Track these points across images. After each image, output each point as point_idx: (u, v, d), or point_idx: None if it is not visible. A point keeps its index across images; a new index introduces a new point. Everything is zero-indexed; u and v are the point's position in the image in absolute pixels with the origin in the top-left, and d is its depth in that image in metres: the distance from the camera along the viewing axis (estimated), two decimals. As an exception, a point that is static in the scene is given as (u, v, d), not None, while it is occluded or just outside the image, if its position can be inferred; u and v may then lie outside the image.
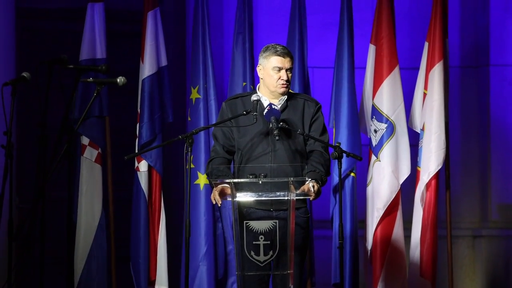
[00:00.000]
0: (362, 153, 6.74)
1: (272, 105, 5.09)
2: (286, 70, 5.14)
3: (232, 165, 5.23)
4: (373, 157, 6.77)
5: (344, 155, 5.13)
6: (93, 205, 6.78)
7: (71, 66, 5.04)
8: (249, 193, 4.91)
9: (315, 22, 7.49)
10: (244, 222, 4.93)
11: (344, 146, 6.55)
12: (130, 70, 6.75)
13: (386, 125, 6.74)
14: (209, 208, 6.80)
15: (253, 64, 6.83)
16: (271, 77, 5.14)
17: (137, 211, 6.85)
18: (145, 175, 6.86)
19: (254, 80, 6.82)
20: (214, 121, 6.74)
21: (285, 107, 5.17)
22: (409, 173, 6.73)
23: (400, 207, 6.73)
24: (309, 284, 6.83)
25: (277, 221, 4.95)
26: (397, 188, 6.71)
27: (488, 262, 7.70)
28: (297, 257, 5.02)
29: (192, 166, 6.73)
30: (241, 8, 6.87)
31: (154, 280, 6.85)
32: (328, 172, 5.12)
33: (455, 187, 7.51)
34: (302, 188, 4.91)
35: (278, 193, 4.91)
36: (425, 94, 6.77)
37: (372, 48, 6.89)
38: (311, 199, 4.96)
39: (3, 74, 6.55)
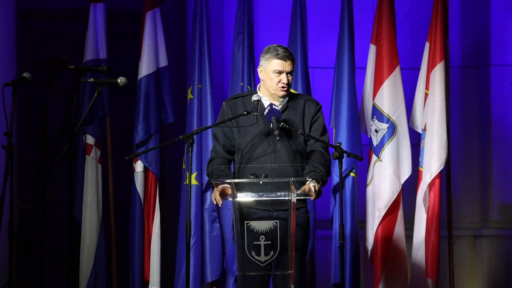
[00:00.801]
0: (363, 153, 6.74)
1: (273, 105, 5.09)
2: (287, 74, 5.13)
3: (232, 165, 5.23)
4: (374, 157, 6.77)
5: (345, 155, 5.13)
6: (98, 205, 6.79)
7: (72, 67, 5.05)
8: (250, 193, 4.91)
9: (316, 22, 7.49)
10: (245, 222, 4.93)
11: (344, 146, 6.54)
12: (131, 70, 6.76)
13: (387, 125, 6.74)
14: (197, 208, 6.79)
15: (252, 64, 6.83)
16: (272, 80, 5.13)
17: (134, 212, 6.86)
18: (141, 176, 6.86)
19: (252, 80, 6.81)
20: (209, 122, 6.75)
21: (285, 108, 5.17)
22: (410, 173, 6.73)
23: (401, 207, 6.72)
24: (309, 284, 6.83)
25: (277, 221, 4.95)
26: (398, 188, 6.71)
27: (489, 262, 7.70)
28: (298, 258, 5.02)
29: (183, 166, 6.74)
30: (241, 8, 6.87)
31: (148, 281, 6.83)
32: (328, 172, 5.12)
33: (456, 187, 7.51)
34: (302, 188, 4.91)
35: (278, 193, 4.91)
36: (426, 94, 6.77)
37: (372, 48, 6.89)
38: (311, 199, 4.96)
39: (4, 74, 6.55)
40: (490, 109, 7.70)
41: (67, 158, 4.88)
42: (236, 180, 4.92)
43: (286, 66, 5.12)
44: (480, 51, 7.81)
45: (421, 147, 6.77)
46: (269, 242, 4.94)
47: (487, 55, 7.75)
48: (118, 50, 7.44)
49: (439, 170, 6.64)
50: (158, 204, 6.87)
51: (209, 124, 6.70)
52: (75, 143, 6.73)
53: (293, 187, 4.87)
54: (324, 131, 5.23)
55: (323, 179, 5.03)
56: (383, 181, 6.70)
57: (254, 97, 5.12)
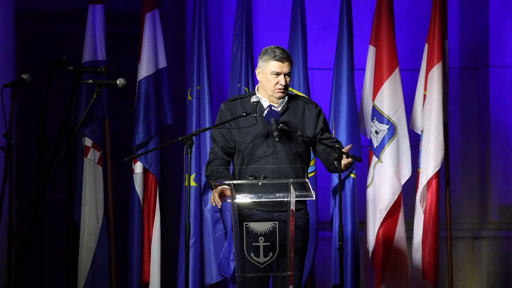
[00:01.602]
0: (362, 154, 6.74)
1: (272, 107, 5.09)
2: (285, 75, 5.13)
3: (231, 167, 5.23)
4: (375, 158, 6.77)
5: (344, 156, 5.13)
6: (97, 207, 6.78)
7: (71, 68, 5.05)
8: (249, 195, 4.91)
9: (315, 24, 7.49)
10: (244, 223, 4.93)
11: (343, 148, 6.54)
12: (130, 71, 6.76)
13: (387, 126, 6.74)
14: (196, 209, 6.79)
15: (250, 65, 6.83)
16: (269, 81, 5.14)
17: (133, 213, 6.85)
18: (140, 177, 6.86)
19: (249, 82, 6.81)
20: (207, 123, 6.75)
21: (285, 109, 5.17)
22: (410, 174, 6.73)
23: (402, 208, 6.73)
24: (309, 285, 6.82)
25: (277, 222, 4.95)
26: (399, 190, 6.71)
27: (488, 263, 7.70)
28: (297, 259, 5.02)
29: (184, 168, 6.74)
30: (240, 9, 6.87)
31: (148, 283, 6.83)
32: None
33: (454, 188, 7.51)
34: (343, 163, 4.96)
35: (277, 195, 4.91)
36: (425, 96, 6.77)
37: (372, 50, 6.89)
38: (344, 168, 4.99)
39: (3, 76, 6.55)
40: (489, 110, 7.71)
41: (66, 160, 4.88)
42: (235, 182, 4.92)
43: (284, 67, 5.12)
44: (479, 52, 7.81)
45: (420, 148, 6.77)
46: (268, 244, 4.94)
47: (485, 57, 7.75)
48: (118, 52, 7.44)
49: (434, 171, 6.64)
50: (158, 206, 6.86)
51: (208, 125, 6.70)
52: (75, 144, 6.73)
53: (292, 188, 4.87)
54: (329, 131, 5.31)
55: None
56: (384, 183, 6.70)
57: (253, 99, 5.12)
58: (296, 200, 4.92)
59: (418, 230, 6.69)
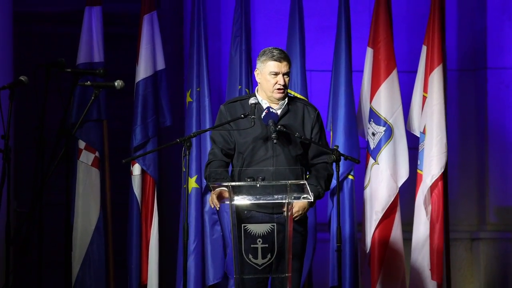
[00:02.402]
0: (360, 156, 6.74)
1: (270, 109, 5.10)
2: (283, 75, 5.13)
3: (230, 168, 5.23)
4: (371, 160, 6.77)
5: (342, 158, 5.13)
6: (90, 209, 6.78)
7: (69, 70, 5.05)
8: (247, 197, 4.91)
9: (313, 25, 7.49)
10: (242, 225, 4.93)
11: (341, 149, 6.54)
12: (128, 73, 6.76)
13: (384, 128, 6.75)
14: (198, 211, 6.79)
15: (250, 67, 6.83)
16: (268, 82, 5.14)
17: (131, 215, 6.85)
18: (138, 179, 6.85)
19: (249, 83, 6.81)
20: (207, 125, 6.74)
21: (286, 112, 5.17)
22: (408, 176, 6.74)
23: (398, 210, 6.73)
24: (307, 287, 6.82)
25: (275, 224, 4.96)
26: (395, 191, 6.71)
27: (486, 265, 7.70)
28: (295, 260, 5.02)
29: (184, 169, 6.73)
30: (238, 11, 6.87)
31: (146, 285, 6.82)
32: (328, 187, 5.18)
33: (453, 190, 7.50)
34: (293, 209, 4.96)
35: (275, 197, 4.91)
36: (424, 97, 6.78)
37: (369, 51, 6.89)
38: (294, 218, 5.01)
39: (1, 78, 6.55)
40: (487, 112, 7.71)
41: (64, 162, 4.88)
42: (233, 183, 4.92)
43: (282, 67, 5.13)
44: (476, 54, 7.82)
45: (419, 150, 6.77)
46: (266, 245, 4.94)
47: (483, 58, 7.76)
48: (116, 53, 7.44)
49: (440, 173, 6.65)
50: (156, 208, 6.86)
51: (207, 127, 6.70)
52: (72, 146, 6.73)
53: (290, 190, 4.87)
54: (325, 137, 5.25)
55: (320, 194, 5.08)
56: (380, 184, 6.70)
57: (252, 100, 5.13)
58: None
59: (419, 232, 6.69)
